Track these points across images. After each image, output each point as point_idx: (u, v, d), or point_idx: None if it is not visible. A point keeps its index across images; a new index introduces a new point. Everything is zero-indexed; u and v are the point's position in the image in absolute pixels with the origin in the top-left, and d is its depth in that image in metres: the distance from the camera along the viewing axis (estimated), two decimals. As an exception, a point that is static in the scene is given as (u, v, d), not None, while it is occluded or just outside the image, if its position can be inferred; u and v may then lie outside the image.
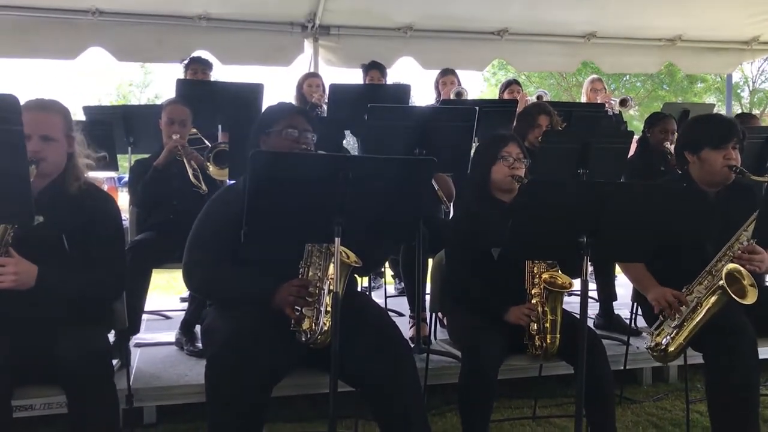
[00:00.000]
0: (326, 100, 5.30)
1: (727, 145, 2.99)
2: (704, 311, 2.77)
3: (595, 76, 6.60)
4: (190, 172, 3.87)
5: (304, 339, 2.43)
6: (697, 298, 2.82)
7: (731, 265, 2.77)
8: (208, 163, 3.96)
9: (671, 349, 2.82)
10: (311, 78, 5.65)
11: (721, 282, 2.72)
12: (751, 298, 2.70)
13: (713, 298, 2.76)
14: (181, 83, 4.72)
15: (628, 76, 22.22)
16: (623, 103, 6.11)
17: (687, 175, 3.13)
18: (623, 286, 4.06)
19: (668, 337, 2.83)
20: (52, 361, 2.31)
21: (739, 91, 22.44)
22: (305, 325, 2.43)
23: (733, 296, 2.69)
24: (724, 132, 3.01)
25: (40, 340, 2.36)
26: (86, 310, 2.53)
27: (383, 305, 4.57)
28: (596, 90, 6.14)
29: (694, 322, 2.79)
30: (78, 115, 4.70)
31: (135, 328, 3.66)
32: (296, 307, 2.44)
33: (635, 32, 7.11)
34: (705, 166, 3.04)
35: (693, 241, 2.99)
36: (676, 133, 4.99)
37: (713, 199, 3.09)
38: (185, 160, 3.90)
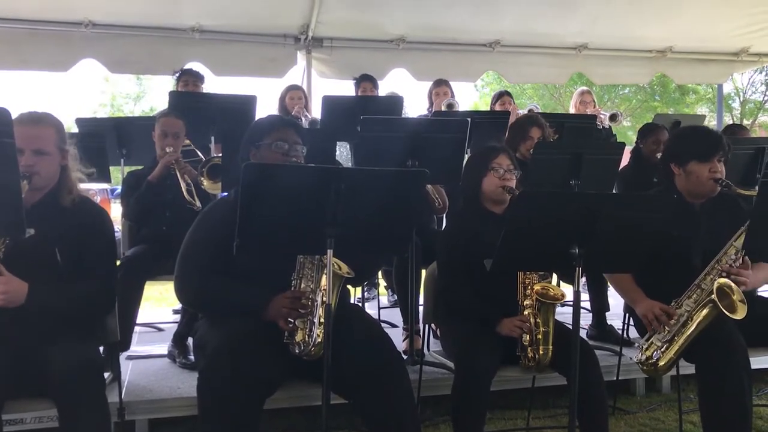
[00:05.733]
0: (305, 112, 5.36)
1: (713, 158, 3.01)
2: (694, 325, 2.78)
3: (584, 88, 6.64)
4: (183, 187, 3.86)
5: (297, 351, 2.43)
6: (687, 312, 2.82)
7: (722, 280, 2.78)
8: (202, 177, 3.95)
9: (661, 363, 2.83)
10: (293, 91, 5.72)
11: (712, 296, 2.73)
12: (740, 313, 2.71)
13: (704, 312, 2.77)
14: (173, 95, 4.72)
15: (620, 87, 22.36)
16: (613, 118, 6.15)
17: (673, 187, 3.15)
18: (615, 296, 4.06)
19: (658, 351, 2.84)
20: (43, 374, 2.30)
21: (730, 102, 22.59)
22: (298, 337, 2.43)
23: (724, 311, 2.70)
24: (710, 145, 3.04)
25: (31, 353, 2.35)
26: (77, 324, 2.52)
27: (376, 317, 4.57)
28: (585, 102, 6.17)
29: (684, 337, 2.80)
30: (72, 127, 4.72)
31: (126, 343, 3.64)
32: (289, 319, 2.44)
33: (626, 44, 7.16)
34: (691, 178, 3.06)
35: (680, 252, 3.01)
36: None
37: (698, 211, 3.11)
38: (179, 175, 3.89)
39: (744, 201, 3.31)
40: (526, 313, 2.86)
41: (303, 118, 5.29)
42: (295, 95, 5.64)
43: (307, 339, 2.42)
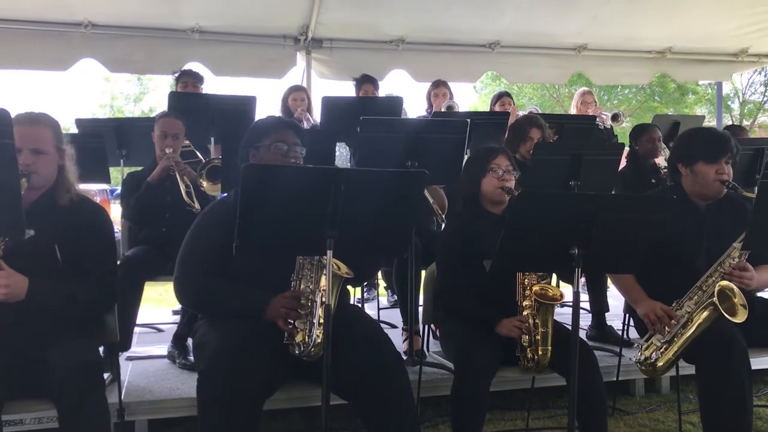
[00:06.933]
0: (308, 116, 5.35)
1: (720, 160, 3.01)
2: (694, 327, 2.78)
3: (585, 88, 6.63)
4: (182, 189, 3.86)
5: (297, 352, 2.43)
6: (688, 313, 2.82)
7: (723, 282, 2.78)
8: (202, 179, 3.95)
9: (660, 363, 2.83)
10: (296, 92, 5.69)
11: (713, 299, 2.73)
12: (741, 317, 2.71)
13: (704, 314, 2.77)
14: (173, 96, 4.72)
15: (620, 88, 22.37)
16: (615, 118, 6.15)
17: (679, 187, 3.15)
18: (615, 297, 4.07)
19: (657, 351, 2.85)
20: (43, 375, 2.31)
21: (729, 103, 22.58)
22: (298, 338, 2.43)
23: (725, 314, 2.70)
24: (719, 147, 3.03)
25: (31, 353, 2.36)
26: (77, 323, 2.52)
27: (376, 317, 4.57)
28: (587, 103, 6.16)
29: (684, 338, 2.80)
30: (72, 128, 4.72)
31: (126, 343, 3.64)
32: (288, 320, 2.44)
33: (625, 44, 7.17)
34: (697, 179, 3.06)
35: (683, 253, 3.01)
36: (661, 141, 5.05)
37: (704, 212, 3.11)
38: (178, 177, 3.89)
39: (750, 203, 3.31)
40: (525, 313, 2.86)
41: (305, 122, 5.28)
42: (297, 96, 5.61)
43: (306, 340, 2.42)
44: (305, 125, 5.20)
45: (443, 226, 4.29)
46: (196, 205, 3.84)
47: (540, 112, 5.68)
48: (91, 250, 2.56)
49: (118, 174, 4.94)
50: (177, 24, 6.04)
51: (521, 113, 5.56)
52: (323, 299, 2.36)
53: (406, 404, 2.52)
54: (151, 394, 3.31)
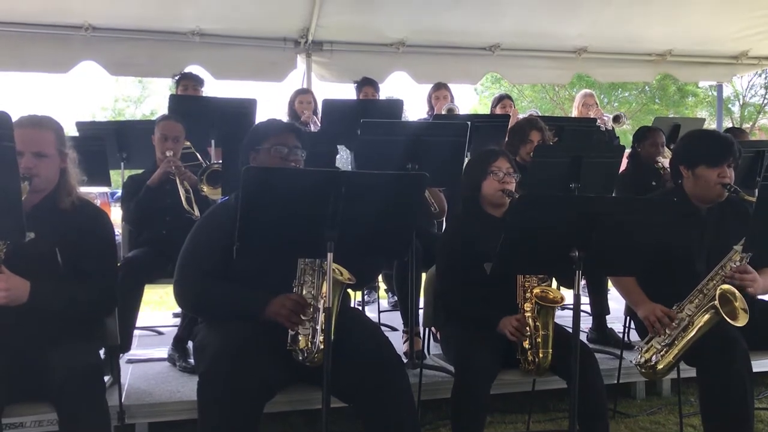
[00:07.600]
0: (315, 119, 5.36)
1: (723, 164, 3.00)
2: (695, 330, 2.78)
3: (587, 90, 6.64)
4: (182, 195, 3.85)
5: (300, 358, 2.43)
6: (688, 317, 2.82)
7: (725, 286, 2.77)
8: (202, 184, 3.95)
9: (660, 366, 2.83)
10: (302, 95, 5.70)
11: (714, 302, 2.73)
12: (741, 321, 2.70)
13: (705, 318, 2.76)
14: (174, 99, 4.73)
15: (620, 90, 22.39)
16: (616, 119, 6.15)
17: (680, 189, 3.15)
18: (616, 299, 4.06)
19: (657, 354, 2.84)
20: (44, 378, 2.30)
21: (729, 105, 22.60)
22: (301, 344, 2.43)
23: (725, 318, 2.69)
24: (721, 150, 3.02)
25: (31, 355, 2.36)
26: (78, 326, 2.52)
27: (376, 320, 4.57)
28: (588, 105, 6.16)
29: (684, 341, 2.80)
30: (72, 130, 4.72)
31: (126, 345, 3.64)
32: (293, 325, 2.44)
33: (626, 47, 7.18)
34: (699, 182, 3.05)
35: (684, 256, 3.01)
36: (665, 146, 5.04)
37: (705, 215, 3.11)
38: (178, 182, 3.88)
39: (752, 207, 3.31)
40: (526, 315, 2.86)
41: (312, 125, 5.28)
42: (304, 99, 5.63)
43: (310, 346, 2.42)
44: (312, 128, 5.20)
45: (444, 228, 4.30)
46: (196, 212, 3.83)
47: (539, 114, 5.68)
48: (91, 253, 2.56)
49: (118, 177, 4.94)
50: (177, 27, 6.04)
51: (521, 116, 5.57)
52: (325, 304, 2.35)
53: (407, 406, 2.52)
54: (152, 397, 3.31)
